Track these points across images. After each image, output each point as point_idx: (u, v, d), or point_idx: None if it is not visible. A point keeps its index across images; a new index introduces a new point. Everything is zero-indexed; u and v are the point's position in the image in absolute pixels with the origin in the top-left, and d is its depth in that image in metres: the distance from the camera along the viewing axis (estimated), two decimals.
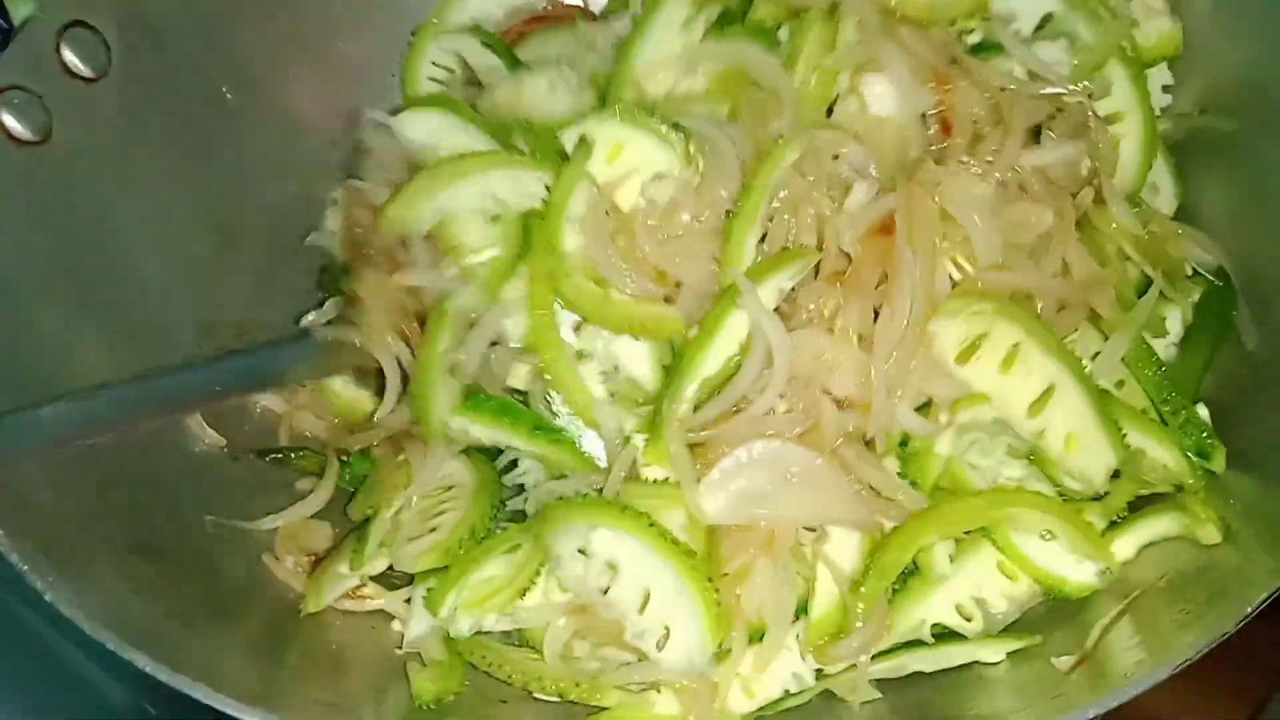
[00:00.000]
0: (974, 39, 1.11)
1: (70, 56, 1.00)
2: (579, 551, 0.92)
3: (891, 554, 0.93)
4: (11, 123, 0.95)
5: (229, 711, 0.77)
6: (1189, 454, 0.98)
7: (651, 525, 0.91)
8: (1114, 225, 1.02)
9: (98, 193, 1.03)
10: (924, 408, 0.94)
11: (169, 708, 1.08)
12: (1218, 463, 0.97)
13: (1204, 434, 0.98)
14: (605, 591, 0.91)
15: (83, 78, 1.01)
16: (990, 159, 0.99)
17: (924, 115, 1.02)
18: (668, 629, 0.91)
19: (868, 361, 0.92)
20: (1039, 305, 0.97)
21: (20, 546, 0.78)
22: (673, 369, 0.96)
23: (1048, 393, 0.94)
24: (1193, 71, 1.15)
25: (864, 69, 1.02)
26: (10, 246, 0.94)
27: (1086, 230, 1.02)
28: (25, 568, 0.77)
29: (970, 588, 0.97)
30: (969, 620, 0.96)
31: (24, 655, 1.10)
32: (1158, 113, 1.12)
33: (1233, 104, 1.11)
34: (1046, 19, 1.10)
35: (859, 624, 0.92)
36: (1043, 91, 1.04)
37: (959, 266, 0.96)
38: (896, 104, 1.01)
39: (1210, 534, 0.93)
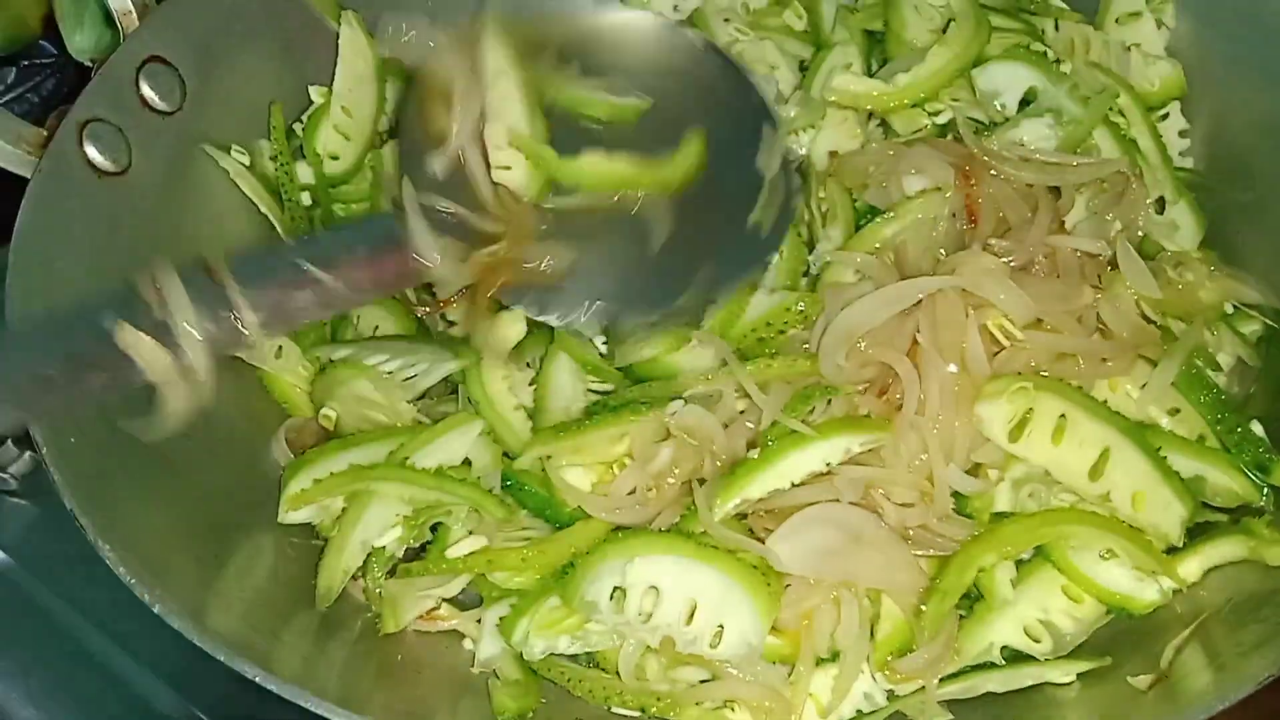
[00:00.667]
0: (942, 119, 1.13)
1: (148, 91, 1.04)
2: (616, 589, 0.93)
3: (951, 576, 0.94)
4: (94, 154, 0.98)
5: (321, 713, 0.80)
6: (1248, 471, 0.98)
7: (686, 538, 0.92)
8: (1129, 289, 1.02)
9: (172, 221, 1.06)
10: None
11: (217, 713, 1.10)
12: (1278, 476, 0.97)
13: (1261, 449, 0.98)
14: (648, 618, 0.92)
15: (159, 111, 1.05)
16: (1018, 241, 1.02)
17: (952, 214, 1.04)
18: (721, 626, 0.92)
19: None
20: (1081, 364, 0.98)
21: (129, 563, 0.80)
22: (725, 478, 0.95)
23: (1104, 456, 0.95)
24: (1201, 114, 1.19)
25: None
26: (93, 271, 0.96)
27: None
28: (133, 581, 0.79)
29: (1036, 610, 0.97)
30: (1038, 641, 0.96)
31: (72, 661, 1.12)
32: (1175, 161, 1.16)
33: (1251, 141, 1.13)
34: (1030, 94, 1.13)
35: (925, 639, 0.93)
36: (1080, 163, 1.06)
37: (1004, 333, 0.98)
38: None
39: (1277, 555, 0.93)
